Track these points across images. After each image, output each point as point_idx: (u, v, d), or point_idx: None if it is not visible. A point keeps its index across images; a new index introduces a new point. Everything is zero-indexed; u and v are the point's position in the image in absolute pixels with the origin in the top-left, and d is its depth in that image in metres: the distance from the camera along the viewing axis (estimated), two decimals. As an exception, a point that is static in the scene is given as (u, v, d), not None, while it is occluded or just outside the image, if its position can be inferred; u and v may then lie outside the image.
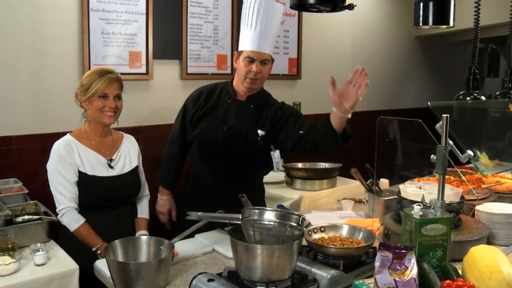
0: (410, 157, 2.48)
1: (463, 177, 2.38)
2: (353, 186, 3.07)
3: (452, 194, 1.93)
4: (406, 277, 1.34)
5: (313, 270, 1.51)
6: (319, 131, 2.09)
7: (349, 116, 1.97)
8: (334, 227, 1.80)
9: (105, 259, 1.62)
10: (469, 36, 2.85)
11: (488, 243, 1.85)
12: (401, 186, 2.09)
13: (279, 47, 4.00)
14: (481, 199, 2.17)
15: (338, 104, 1.93)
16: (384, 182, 2.53)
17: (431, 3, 2.18)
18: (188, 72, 3.42)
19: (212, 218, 1.73)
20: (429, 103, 2.02)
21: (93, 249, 1.97)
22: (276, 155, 2.27)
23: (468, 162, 1.87)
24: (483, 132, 2.97)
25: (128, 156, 2.20)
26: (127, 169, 2.17)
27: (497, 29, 4.26)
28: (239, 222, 1.53)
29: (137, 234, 2.15)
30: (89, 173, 2.05)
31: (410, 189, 2.01)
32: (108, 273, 1.62)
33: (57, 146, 2.04)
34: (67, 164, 2.01)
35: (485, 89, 5.90)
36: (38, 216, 2.05)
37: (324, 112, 4.49)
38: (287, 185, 3.19)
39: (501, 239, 1.94)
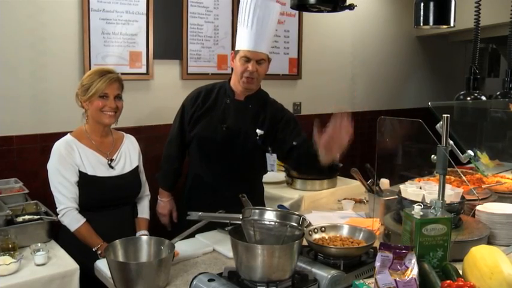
0: (411, 157, 2.48)
1: (464, 177, 2.38)
2: (353, 186, 3.07)
3: (452, 194, 1.93)
4: (406, 277, 1.34)
5: (314, 270, 1.51)
6: (307, 160, 2.14)
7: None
8: (335, 227, 1.80)
9: (105, 259, 1.62)
10: (470, 36, 2.85)
11: (489, 243, 1.85)
12: (401, 186, 2.09)
13: (279, 47, 4.01)
14: (482, 199, 2.17)
15: (326, 149, 1.93)
16: (384, 182, 2.53)
17: (431, 3, 2.18)
18: (188, 72, 3.42)
19: (213, 218, 1.73)
20: (429, 103, 2.02)
21: (94, 249, 1.97)
22: (272, 157, 2.28)
23: (469, 162, 1.88)
24: (483, 132, 2.97)
25: (129, 156, 2.20)
26: (127, 169, 2.17)
27: (497, 29, 4.26)
28: (239, 222, 1.53)
29: (137, 234, 2.15)
30: (90, 173, 2.05)
31: (410, 189, 2.01)
32: (108, 273, 1.62)
33: (58, 146, 2.05)
34: (67, 164, 2.01)
35: (485, 89, 5.89)
36: (39, 216, 2.05)
37: (324, 112, 4.50)
38: (287, 185, 3.19)
39: (502, 239, 1.94)
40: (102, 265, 1.75)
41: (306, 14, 4.13)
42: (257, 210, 1.49)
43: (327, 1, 1.86)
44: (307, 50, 4.24)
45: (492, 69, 6.85)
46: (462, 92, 2.67)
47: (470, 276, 1.43)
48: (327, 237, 1.75)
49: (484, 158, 2.50)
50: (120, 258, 1.65)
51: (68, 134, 2.12)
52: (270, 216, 1.47)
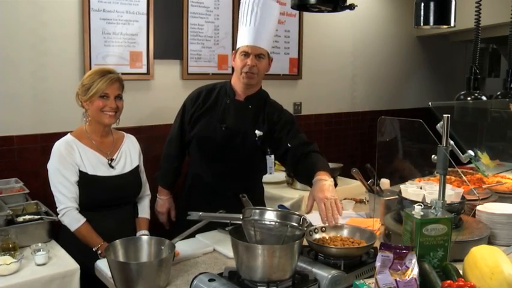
0: (411, 157, 2.48)
1: (464, 178, 2.38)
2: (354, 186, 3.07)
3: (453, 194, 1.93)
4: (407, 277, 1.33)
5: (314, 270, 1.51)
6: (304, 173, 2.13)
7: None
8: (335, 227, 1.80)
9: (105, 259, 1.62)
10: (470, 36, 2.86)
11: (489, 243, 1.85)
12: (402, 186, 2.09)
13: (279, 46, 4.01)
14: (482, 199, 2.17)
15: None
16: (384, 182, 2.53)
17: (432, 3, 2.18)
18: (189, 72, 3.42)
19: (213, 218, 1.73)
20: (430, 103, 2.02)
21: (94, 249, 1.97)
22: (270, 159, 2.28)
23: (469, 162, 1.88)
24: (484, 132, 2.97)
25: (129, 155, 2.20)
26: (128, 169, 2.17)
27: (498, 29, 4.26)
28: (240, 222, 1.53)
29: (138, 234, 2.15)
30: (90, 172, 2.05)
31: (411, 189, 2.01)
32: (109, 273, 1.62)
33: (58, 146, 2.05)
34: (68, 164, 2.01)
35: (486, 89, 5.89)
36: (39, 216, 2.05)
37: (324, 112, 4.51)
38: (288, 185, 3.19)
39: (502, 239, 1.94)
40: (102, 265, 1.75)
41: (306, 14, 4.13)
42: (257, 210, 1.49)
43: (327, 1, 1.86)
44: (307, 50, 4.24)
45: (492, 69, 6.85)
46: (463, 92, 2.67)
47: (471, 276, 1.43)
48: (327, 237, 1.75)
49: (484, 158, 2.50)
50: (121, 258, 1.65)
51: (68, 133, 2.12)
52: (270, 216, 1.47)
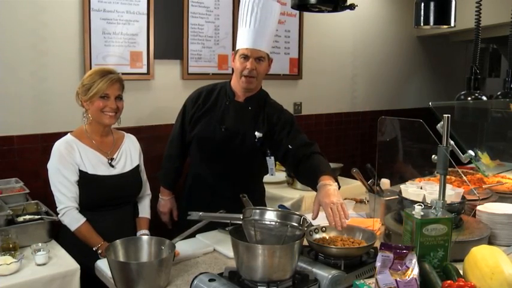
0: (412, 157, 2.48)
1: (464, 178, 2.38)
2: (354, 186, 3.07)
3: (453, 194, 1.93)
4: (407, 277, 1.34)
5: (314, 270, 1.51)
6: (306, 175, 2.12)
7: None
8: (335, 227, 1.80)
9: (106, 259, 1.62)
10: (470, 36, 2.85)
11: (490, 243, 1.85)
12: (402, 186, 2.10)
13: (280, 46, 4.01)
14: (482, 199, 2.17)
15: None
16: (385, 182, 2.53)
17: (432, 3, 2.18)
18: (189, 72, 3.42)
19: (213, 218, 1.73)
20: (430, 103, 2.02)
21: (94, 249, 1.97)
22: (271, 161, 2.27)
23: (469, 162, 1.88)
24: (484, 132, 2.97)
25: (129, 155, 2.20)
26: (128, 168, 2.17)
27: (498, 29, 4.25)
28: (240, 222, 1.53)
29: (138, 233, 2.15)
30: (90, 172, 2.05)
31: (411, 190, 2.02)
32: (109, 273, 1.62)
33: (58, 146, 2.04)
34: (68, 164, 2.01)
35: (486, 89, 5.90)
36: (39, 216, 2.05)
37: (325, 112, 4.51)
38: (288, 185, 3.19)
39: (502, 239, 1.94)
40: (102, 265, 1.75)
41: (306, 14, 4.13)
42: (258, 210, 1.49)
43: (327, 1, 1.86)
44: (307, 50, 4.24)
45: (493, 69, 6.85)
46: (463, 92, 2.67)
47: (471, 277, 1.43)
48: (327, 237, 1.75)
49: (484, 158, 2.50)
50: (121, 258, 1.65)
51: (68, 133, 2.12)
52: (270, 216, 1.48)
